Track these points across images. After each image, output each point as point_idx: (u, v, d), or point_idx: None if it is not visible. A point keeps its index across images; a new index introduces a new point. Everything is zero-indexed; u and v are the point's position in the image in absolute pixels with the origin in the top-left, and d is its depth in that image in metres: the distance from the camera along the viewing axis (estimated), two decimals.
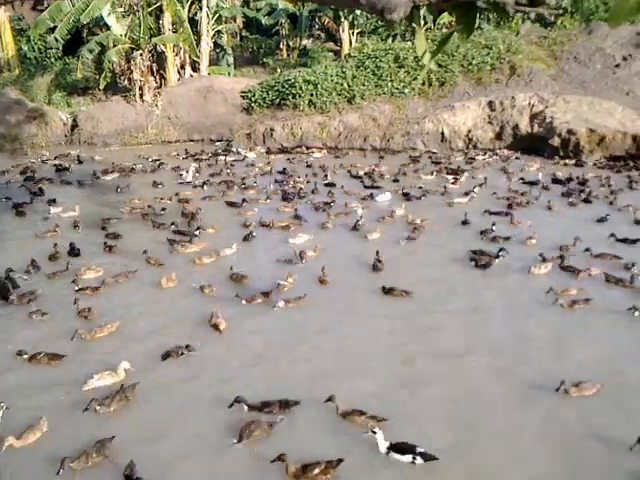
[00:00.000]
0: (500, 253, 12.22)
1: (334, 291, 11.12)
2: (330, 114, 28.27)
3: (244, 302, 10.27)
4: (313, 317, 9.99)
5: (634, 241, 13.24)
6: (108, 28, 32.44)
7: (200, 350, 8.81)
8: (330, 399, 7.26)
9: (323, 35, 48.33)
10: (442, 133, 26.75)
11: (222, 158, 25.01)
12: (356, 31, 42.99)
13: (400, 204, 16.66)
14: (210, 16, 35.70)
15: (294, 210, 16.43)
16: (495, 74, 29.14)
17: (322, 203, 17.10)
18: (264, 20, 41.12)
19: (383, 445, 6.43)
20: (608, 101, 25.25)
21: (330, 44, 46.37)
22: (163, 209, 16.56)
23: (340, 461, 6.18)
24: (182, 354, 8.59)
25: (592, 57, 30.34)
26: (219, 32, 37.99)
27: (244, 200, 17.25)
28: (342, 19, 41.97)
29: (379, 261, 12.12)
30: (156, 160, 24.47)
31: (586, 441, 6.78)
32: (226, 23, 39.23)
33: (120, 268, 12.14)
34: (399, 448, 6.43)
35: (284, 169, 22.32)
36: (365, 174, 21.28)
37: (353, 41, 42.35)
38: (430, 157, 24.59)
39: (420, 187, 18.94)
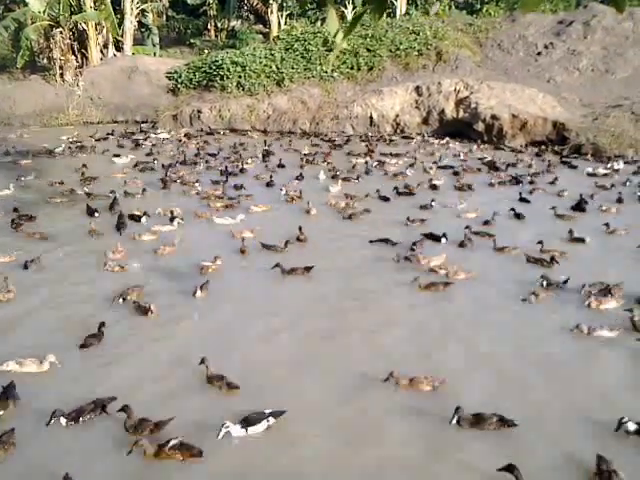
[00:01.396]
0: (443, 238, 12.46)
1: (253, 273, 11.00)
2: (259, 96, 27.98)
3: (121, 301, 9.52)
4: (227, 305, 9.74)
5: (523, 216, 14.17)
6: (25, 4, 30.97)
7: (118, 340, 8.51)
8: (202, 361, 7.37)
9: (252, 17, 47.73)
10: (371, 117, 26.91)
11: (141, 138, 24.74)
12: (285, 13, 42.59)
13: (334, 183, 17.07)
14: None
15: (233, 188, 16.64)
16: (422, 60, 29.47)
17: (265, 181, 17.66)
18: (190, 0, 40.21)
19: (237, 430, 6.31)
20: (530, 88, 25.93)
21: (259, 26, 45.88)
22: (112, 191, 15.82)
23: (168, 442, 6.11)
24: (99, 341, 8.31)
25: (515, 45, 31.11)
26: (144, 11, 36.90)
27: (166, 175, 17.70)
28: (271, 1, 41.48)
29: (301, 237, 12.52)
30: (77, 142, 23.62)
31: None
32: (151, 1, 38.13)
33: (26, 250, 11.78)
34: (251, 421, 6.40)
35: (219, 150, 22.35)
36: (305, 155, 21.36)
37: (282, 23, 41.96)
38: (336, 142, 24.58)
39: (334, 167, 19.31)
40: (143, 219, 13.68)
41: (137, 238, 12.66)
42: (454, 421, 6.46)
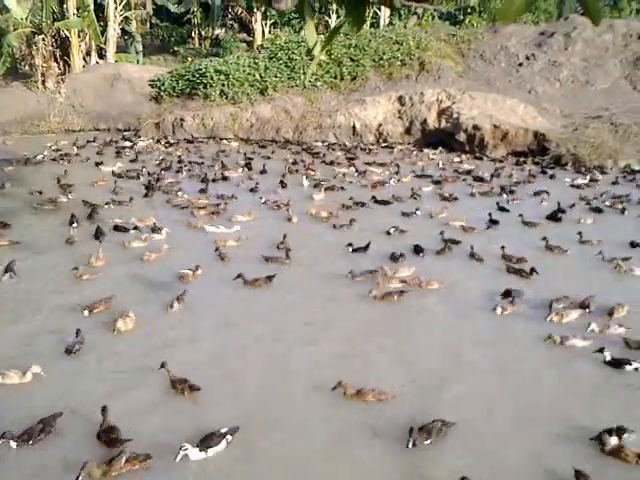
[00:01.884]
0: (421, 254, 12.33)
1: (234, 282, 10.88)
2: (242, 105, 27.95)
3: (86, 313, 9.33)
4: (202, 316, 9.62)
5: (496, 222, 14.54)
6: (8, 11, 30.74)
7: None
8: (162, 365, 7.44)
9: (236, 25, 47.73)
10: (354, 127, 27.00)
11: (128, 146, 24.81)
12: (269, 22, 42.72)
13: (318, 191, 17.21)
14: (117, 1, 34.54)
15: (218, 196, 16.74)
16: (405, 69, 29.60)
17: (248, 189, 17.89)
18: (173, 8, 40.19)
19: (195, 454, 6.10)
20: (511, 98, 26.19)
21: (243, 35, 45.91)
22: (107, 203, 15.59)
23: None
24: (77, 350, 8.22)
25: (497, 55, 31.41)
26: (127, 18, 36.81)
27: (151, 183, 17.51)
28: (255, 10, 41.56)
29: (281, 243, 12.61)
30: (59, 150, 23.47)
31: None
32: (135, 9, 38.07)
33: None
34: (209, 443, 6.21)
35: (201, 158, 22.56)
36: (292, 163, 21.64)
37: (266, 32, 42.07)
38: (314, 150, 24.56)
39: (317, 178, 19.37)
40: (132, 233, 13.41)
41: (127, 245, 12.64)
42: (410, 444, 6.29)
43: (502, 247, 12.21)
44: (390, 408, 7.14)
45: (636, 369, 7.88)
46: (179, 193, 16.99)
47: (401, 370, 8.02)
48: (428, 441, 6.38)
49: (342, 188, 17.98)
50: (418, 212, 15.24)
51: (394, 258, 11.93)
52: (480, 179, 19.44)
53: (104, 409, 6.56)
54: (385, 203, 16.32)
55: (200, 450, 6.14)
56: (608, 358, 8.01)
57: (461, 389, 7.61)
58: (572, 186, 18.85)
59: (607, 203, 16.55)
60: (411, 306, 10.07)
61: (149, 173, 19.49)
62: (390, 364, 8.21)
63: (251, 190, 17.57)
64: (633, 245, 12.90)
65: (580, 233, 13.35)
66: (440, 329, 9.30)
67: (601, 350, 8.08)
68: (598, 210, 15.82)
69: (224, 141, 26.53)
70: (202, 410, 7.09)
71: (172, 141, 26.45)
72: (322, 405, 7.22)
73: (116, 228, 13.70)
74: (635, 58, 29.30)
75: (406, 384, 7.64)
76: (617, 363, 7.98)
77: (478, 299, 10.27)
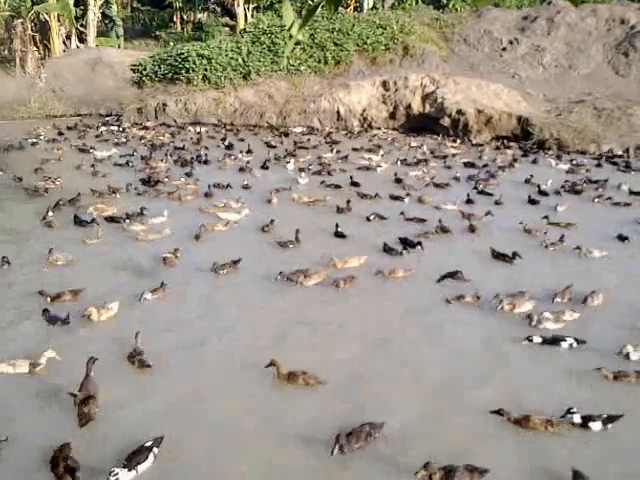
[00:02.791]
0: (404, 252, 11.96)
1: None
2: (225, 90, 27.71)
3: (48, 300, 9.13)
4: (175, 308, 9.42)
5: (472, 201, 14.98)
6: None
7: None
8: (136, 337, 7.71)
9: (218, 9, 47.33)
10: (338, 112, 26.88)
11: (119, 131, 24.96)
12: (252, 6, 42.28)
13: (302, 175, 17.27)
14: None
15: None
16: (389, 54, 29.53)
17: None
18: None
19: (126, 474, 5.72)
20: (495, 83, 26.20)
21: (225, 19, 45.50)
22: (114, 191, 15.29)
23: None
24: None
25: (481, 40, 31.35)
26: (108, 2, 36.34)
27: (150, 181, 16.71)
28: None
29: (267, 226, 12.85)
30: (41, 135, 23.17)
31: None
32: None
33: None
34: (137, 460, 5.82)
35: (183, 143, 22.38)
36: (270, 146, 21.89)
37: (249, 16, 41.64)
38: (296, 137, 24.42)
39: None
40: (127, 222, 13.02)
41: (126, 228, 12.60)
42: (336, 451, 6.04)
43: (469, 217, 12.58)
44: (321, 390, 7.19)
45: (570, 345, 8.15)
46: (166, 179, 16.82)
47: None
48: (357, 445, 6.14)
49: (329, 173, 17.90)
50: (406, 199, 15.18)
51: (389, 250, 11.70)
52: (471, 165, 19.39)
53: (90, 360, 6.79)
54: (357, 185, 16.31)
55: (129, 470, 5.76)
56: (539, 341, 8.25)
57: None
58: (555, 170, 18.93)
59: (585, 187, 16.67)
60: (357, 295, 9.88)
61: (142, 157, 19.42)
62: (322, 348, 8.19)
63: (240, 170, 17.91)
64: (621, 238, 12.62)
65: (546, 217, 13.50)
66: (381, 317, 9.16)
67: (529, 339, 8.28)
68: (576, 193, 16.10)
69: (189, 127, 26.17)
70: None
71: (149, 125, 26.29)
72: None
73: (110, 219, 13.26)
74: (617, 43, 29.41)
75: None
76: (552, 342, 8.23)
77: (437, 287, 10.06)
